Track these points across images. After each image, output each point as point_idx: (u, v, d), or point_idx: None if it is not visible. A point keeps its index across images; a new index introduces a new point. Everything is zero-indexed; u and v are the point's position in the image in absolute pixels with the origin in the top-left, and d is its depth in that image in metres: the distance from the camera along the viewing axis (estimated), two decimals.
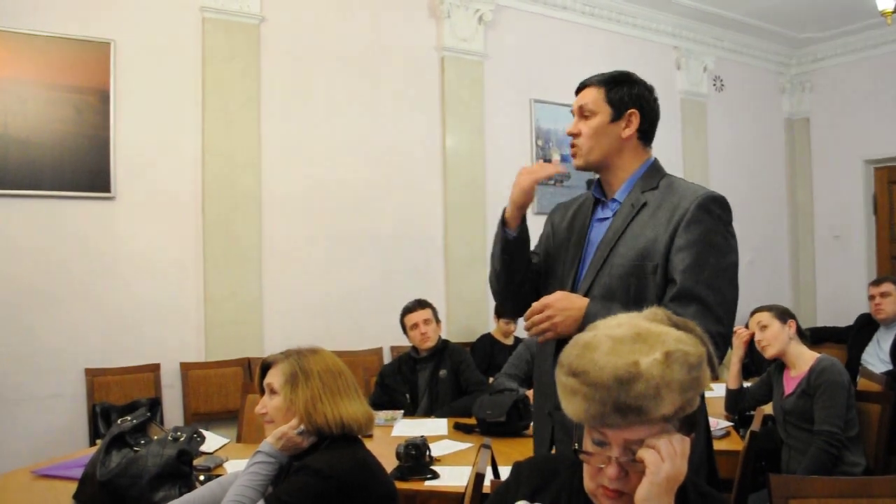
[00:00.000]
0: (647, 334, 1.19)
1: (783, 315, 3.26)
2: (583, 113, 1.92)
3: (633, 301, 1.73)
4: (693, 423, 1.21)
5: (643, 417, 1.13)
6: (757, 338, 3.30)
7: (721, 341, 1.70)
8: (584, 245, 1.94)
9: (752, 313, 3.36)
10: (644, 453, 1.13)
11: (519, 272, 2.00)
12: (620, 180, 1.92)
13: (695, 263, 1.71)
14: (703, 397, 1.88)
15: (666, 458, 1.12)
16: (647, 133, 1.93)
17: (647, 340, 1.17)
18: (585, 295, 1.82)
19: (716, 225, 1.75)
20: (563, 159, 5.68)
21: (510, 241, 1.96)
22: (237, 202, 4.55)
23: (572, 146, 1.95)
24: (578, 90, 1.97)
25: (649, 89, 1.95)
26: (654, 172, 1.91)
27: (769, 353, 3.31)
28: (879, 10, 4.33)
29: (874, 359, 4.50)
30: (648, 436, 1.15)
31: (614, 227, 1.86)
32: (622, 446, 1.17)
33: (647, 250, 1.77)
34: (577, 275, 1.91)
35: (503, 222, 1.98)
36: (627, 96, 1.89)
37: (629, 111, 1.89)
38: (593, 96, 1.91)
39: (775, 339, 3.24)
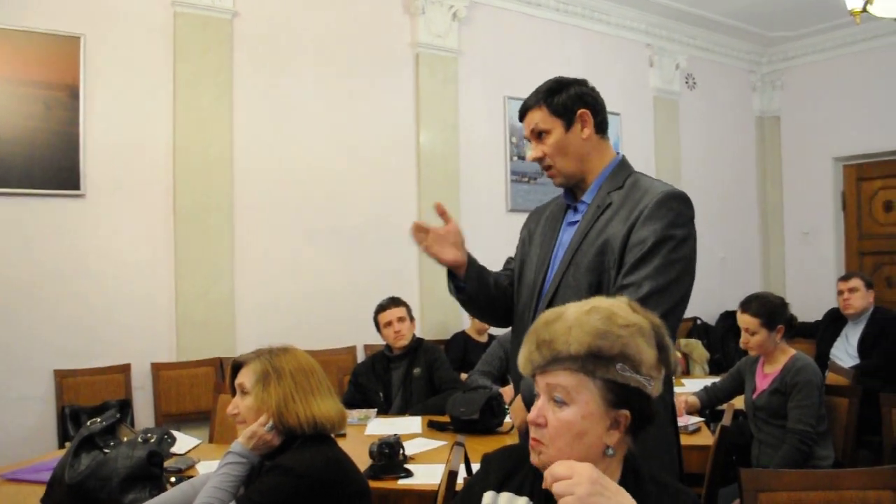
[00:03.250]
0: (596, 303, 1.30)
1: (772, 320, 3.21)
2: (537, 135, 1.94)
3: (596, 296, 1.74)
4: (629, 400, 1.24)
5: (554, 352, 1.23)
6: (743, 339, 3.29)
7: None
8: (553, 248, 1.96)
9: (742, 309, 3.30)
10: (556, 487, 1.14)
11: (486, 298, 2.07)
12: (589, 182, 1.94)
13: (645, 256, 1.74)
14: (671, 391, 1.90)
15: (574, 478, 1.13)
16: (601, 124, 1.95)
17: (591, 304, 1.30)
18: (553, 295, 1.86)
19: (674, 220, 1.77)
20: None
21: (468, 291, 2.03)
22: (209, 199, 4.50)
23: (545, 169, 1.97)
24: (521, 116, 1.99)
25: (583, 83, 1.96)
26: (621, 170, 1.93)
27: (752, 353, 3.34)
28: (848, 9, 4.36)
29: (842, 353, 4.57)
30: (567, 383, 1.22)
31: (580, 228, 1.89)
32: (546, 392, 1.26)
33: (607, 246, 1.81)
34: (546, 275, 1.94)
35: (452, 275, 2.03)
36: (569, 100, 1.91)
37: (578, 112, 1.91)
38: (539, 116, 1.93)
39: (760, 346, 3.25)
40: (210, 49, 4.54)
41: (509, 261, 2.18)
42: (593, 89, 1.97)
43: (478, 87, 5.73)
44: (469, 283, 2.01)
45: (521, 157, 5.86)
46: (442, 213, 1.96)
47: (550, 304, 1.82)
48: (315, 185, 4.94)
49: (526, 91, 2.05)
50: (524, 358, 1.29)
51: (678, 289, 1.76)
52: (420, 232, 1.98)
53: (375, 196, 5.20)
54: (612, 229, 1.81)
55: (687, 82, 7.26)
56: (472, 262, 2.02)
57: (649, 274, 1.72)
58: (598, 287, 1.80)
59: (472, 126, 5.68)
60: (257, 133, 4.73)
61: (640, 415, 1.25)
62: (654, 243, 1.74)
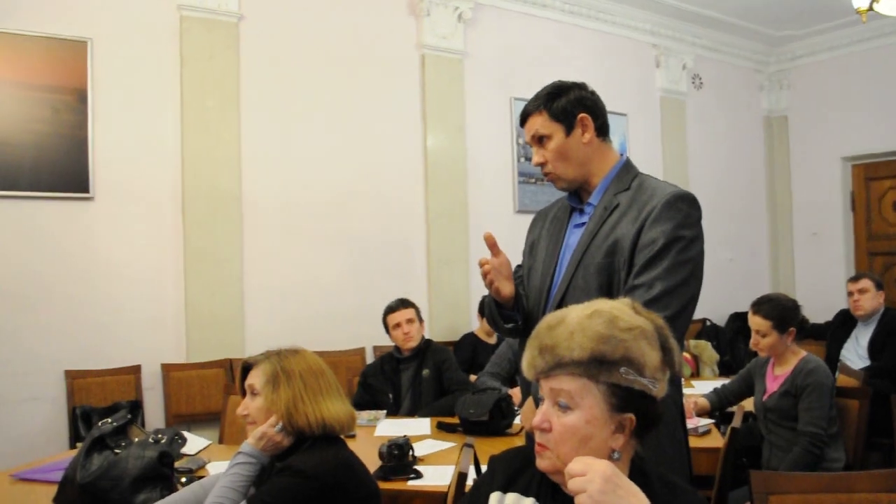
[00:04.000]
0: (598, 306, 1.29)
1: (783, 323, 3.18)
2: (538, 140, 1.95)
3: (605, 297, 1.74)
4: (634, 403, 1.23)
5: (557, 357, 1.22)
6: (753, 340, 3.26)
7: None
8: (560, 250, 1.96)
9: (754, 311, 3.26)
10: (570, 484, 1.15)
11: (524, 322, 2.01)
12: (594, 185, 1.95)
13: (655, 257, 1.75)
14: (680, 392, 1.90)
15: (588, 475, 1.13)
16: (602, 128, 1.95)
17: (593, 307, 1.29)
18: (562, 297, 1.85)
19: (682, 221, 1.78)
20: None
21: (517, 321, 1.98)
22: (217, 201, 4.51)
23: (546, 174, 1.98)
24: (522, 121, 2.00)
25: (583, 87, 1.97)
26: (626, 172, 1.94)
27: (762, 355, 3.32)
28: (855, 7, 4.35)
29: (853, 354, 4.54)
30: (571, 388, 1.22)
31: (588, 229, 1.89)
32: (550, 398, 1.25)
33: (616, 247, 1.81)
34: (554, 277, 1.94)
35: (499, 304, 1.97)
36: (569, 104, 1.91)
37: (578, 117, 1.91)
38: (539, 121, 1.94)
39: (771, 348, 3.22)
40: (216, 52, 4.55)
41: (518, 269, 2.18)
42: (593, 93, 1.98)
43: (484, 89, 5.73)
44: (520, 313, 1.99)
45: (528, 159, 5.85)
46: (492, 245, 1.90)
47: (560, 306, 1.82)
48: (323, 187, 4.95)
49: (532, 92, 2.05)
50: (527, 363, 1.29)
51: (688, 289, 1.77)
52: (484, 264, 1.92)
53: (383, 198, 5.21)
54: (621, 230, 1.82)
55: (694, 82, 7.24)
56: (518, 293, 1.98)
57: (660, 275, 1.73)
58: (608, 288, 1.80)
59: (478, 127, 5.68)
60: (264, 137, 4.74)
61: (646, 417, 1.25)
62: (663, 244, 1.74)
